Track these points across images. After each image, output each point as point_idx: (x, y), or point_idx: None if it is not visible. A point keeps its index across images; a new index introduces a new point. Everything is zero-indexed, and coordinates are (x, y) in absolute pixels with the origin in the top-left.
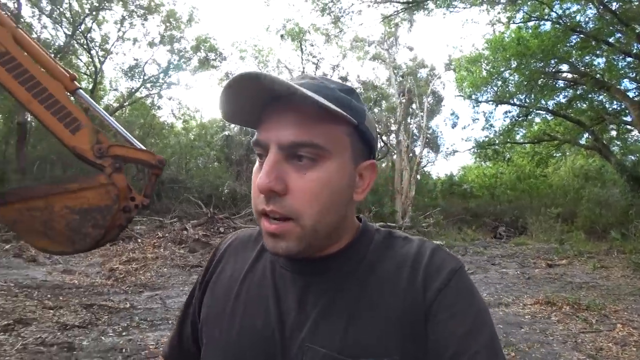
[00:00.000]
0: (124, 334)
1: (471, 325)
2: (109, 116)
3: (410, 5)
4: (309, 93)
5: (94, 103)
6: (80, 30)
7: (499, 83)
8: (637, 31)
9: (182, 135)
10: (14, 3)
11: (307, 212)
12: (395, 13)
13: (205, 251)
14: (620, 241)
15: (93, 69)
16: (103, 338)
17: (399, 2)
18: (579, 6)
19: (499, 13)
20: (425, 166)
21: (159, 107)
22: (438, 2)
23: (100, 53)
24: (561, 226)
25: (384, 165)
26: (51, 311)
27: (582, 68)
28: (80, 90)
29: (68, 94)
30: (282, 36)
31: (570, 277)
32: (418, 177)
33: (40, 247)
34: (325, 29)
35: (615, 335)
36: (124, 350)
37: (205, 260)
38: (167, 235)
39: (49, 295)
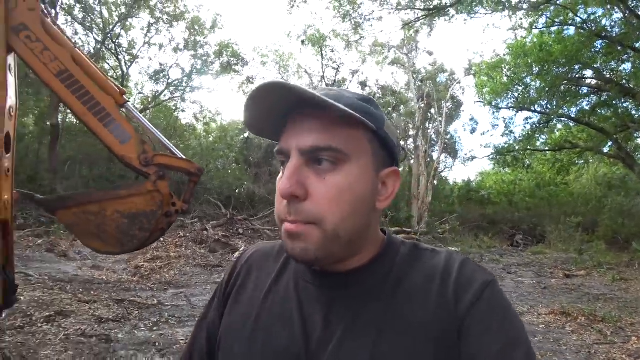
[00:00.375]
0: (154, 328)
1: (506, 342)
2: (153, 127)
3: (432, 12)
4: (328, 99)
5: (140, 115)
6: (109, 36)
7: (520, 89)
8: None
9: (202, 138)
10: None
11: (328, 217)
12: (416, 20)
13: (225, 251)
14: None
15: (120, 72)
16: (136, 332)
17: (420, 9)
18: (604, 10)
19: (521, 19)
20: (442, 171)
21: (182, 110)
22: (459, 8)
23: (127, 57)
24: (581, 236)
25: (400, 169)
26: (87, 305)
27: (607, 74)
28: (129, 104)
29: (118, 107)
30: (303, 42)
31: (587, 288)
32: (435, 182)
33: (93, 247)
34: (345, 35)
35: (630, 347)
36: (157, 344)
37: (223, 261)
38: (188, 235)
39: (81, 290)
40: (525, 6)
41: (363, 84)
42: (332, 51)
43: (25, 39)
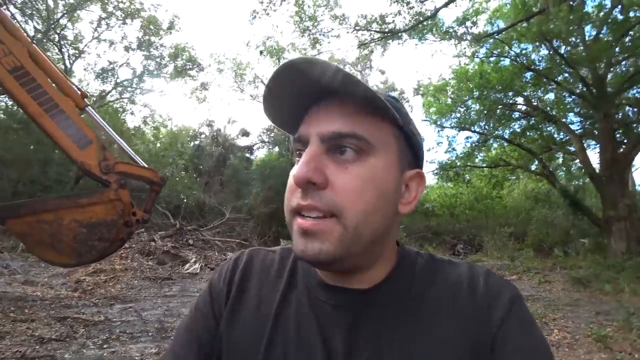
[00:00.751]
0: (105, 346)
1: None
2: (115, 134)
3: (386, 35)
4: (360, 80)
5: (102, 121)
6: (52, 26)
7: (462, 110)
8: (580, 74)
9: (151, 143)
10: None
11: (350, 209)
12: (371, 41)
13: (175, 263)
14: (562, 258)
15: (62, 67)
16: (85, 351)
17: (376, 31)
18: (533, 47)
19: (464, 48)
20: None
21: (131, 113)
22: (412, 33)
23: (71, 51)
24: (513, 244)
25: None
26: (24, 324)
27: (535, 102)
28: (89, 108)
29: (79, 110)
30: (261, 52)
31: (519, 290)
32: None
33: (47, 259)
34: (303, 49)
35: (552, 339)
36: None
37: (173, 274)
38: (134, 246)
39: (12, 308)
40: (469, 37)
41: None
42: None
43: None
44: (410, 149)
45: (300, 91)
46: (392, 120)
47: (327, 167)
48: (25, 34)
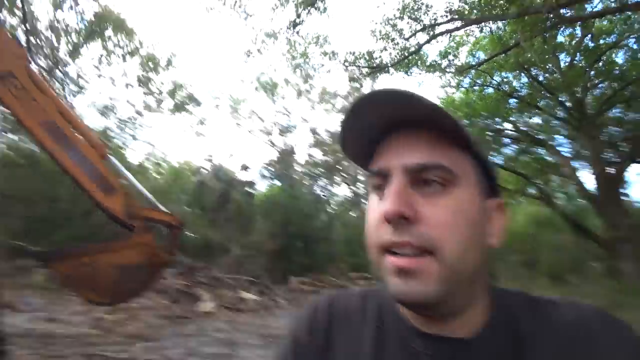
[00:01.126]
0: None
1: None
2: (136, 180)
3: (374, 69)
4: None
5: (123, 168)
6: (57, 64)
7: None
8: (560, 98)
9: (154, 180)
10: None
11: (447, 242)
12: (361, 74)
13: (189, 301)
14: (578, 286)
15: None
16: None
17: (364, 67)
18: (514, 74)
19: (449, 79)
20: None
21: (132, 149)
22: (398, 67)
23: (73, 88)
24: (526, 272)
25: (356, 215)
26: None
27: (523, 126)
28: (112, 157)
29: (101, 159)
30: (256, 88)
31: None
32: None
33: (87, 298)
34: (296, 84)
35: None
36: None
37: (188, 312)
38: None
39: (38, 345)
40: (452, 69)
41: (313, 131)
42: (284, 98)
43: (10, 86)
44: (488, 178)
45: (384, 122)
46: (470, 149)
47: (415, 200)
48: (53, 91)
